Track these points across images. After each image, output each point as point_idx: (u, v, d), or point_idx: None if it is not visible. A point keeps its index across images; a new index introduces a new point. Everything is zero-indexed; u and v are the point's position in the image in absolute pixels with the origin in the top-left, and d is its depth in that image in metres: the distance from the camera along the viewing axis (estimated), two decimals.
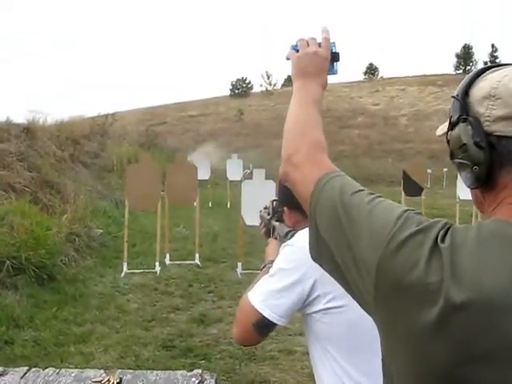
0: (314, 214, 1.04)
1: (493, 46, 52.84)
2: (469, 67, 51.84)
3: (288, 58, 1.34)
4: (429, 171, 19.65)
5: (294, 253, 1.59)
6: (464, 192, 10.48)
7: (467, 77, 1.00)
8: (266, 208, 2.19)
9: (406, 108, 40.32)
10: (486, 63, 50.58)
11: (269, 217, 2.08)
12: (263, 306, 1.56)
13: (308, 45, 1.30)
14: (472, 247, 0.84)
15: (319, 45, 1.30)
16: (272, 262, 1.83)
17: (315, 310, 1.56)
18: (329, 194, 1.02)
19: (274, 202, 2.03)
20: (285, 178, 1.16)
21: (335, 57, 1.33)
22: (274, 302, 1.55)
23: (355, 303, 1.50)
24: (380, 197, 0.99)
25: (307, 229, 1.61)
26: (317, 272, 1.51)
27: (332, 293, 1.53)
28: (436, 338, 0.82)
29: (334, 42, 1.33)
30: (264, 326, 1.58)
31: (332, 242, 0.99)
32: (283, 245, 1.66)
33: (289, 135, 1.19)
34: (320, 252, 1.04)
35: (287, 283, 1.56)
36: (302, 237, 1.59)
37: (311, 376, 1.72)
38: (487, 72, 0.97)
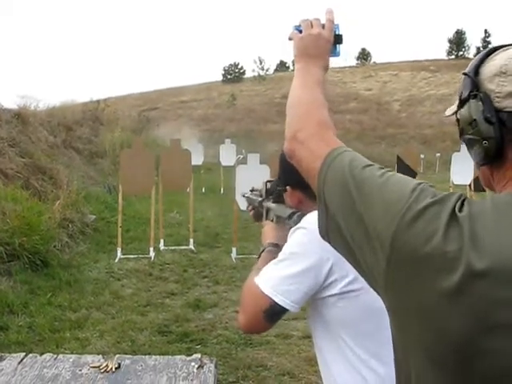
0: (322, 189, 1.03)
1: (486, 31, 52.65)
2: (461, 52, 51.75)
3: (290, 39, 1.32)
4: (422, 156, 19.69)
5: (307, 236, 1.50)
6: (457, 177, 10.51)
7: (478, 55, 1.00)
8: (253, 190, 2.15)
9: (399, 93, 40.24)
10: (478, 49, 50.57)
11: (260, 199, 2.04)
12: (275, 291, 1.48)
13: (312, 26, 1.29)
14: (490, 216, 0.84)
15: (323, 26, 1.29)
16: (272, 244, 1.77)
17: (330, 293, 1.50)
18: (338, 169, 1.01)
19: (268, 183, 1.98)
20: (291, 155, 1.16)
21: (338, 39, 1.32)
22: (287, 288, 1.48)
23: None
24: (390, 171, 0.98)
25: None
26: (334, 255, 1.44)
27: (349, 276, 1.47)
28: (453, 307, 0.81)
29: (337, 24, 1.31)
30: (275, 313, 1.51)
31: (341, 217, 0.98)
32: (294, 228, 1.58)
33: (293, 114, 1.19)
34: (328, 228, 1.04)
35: (301, 268, 1.48)
36: (315, 218, 1.56)
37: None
38: (498, 51, 0.97)
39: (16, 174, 8.51)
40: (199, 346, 4.71)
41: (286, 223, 1.73)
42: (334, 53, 1.31)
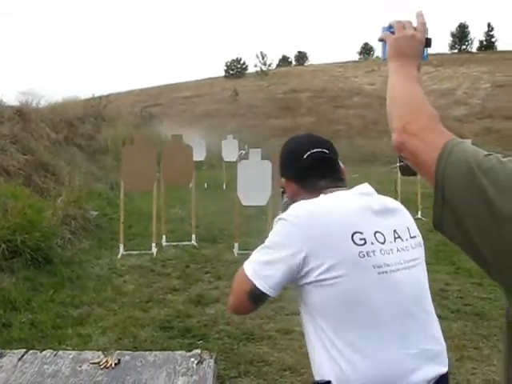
0: (441, 178, 1.04)
1: (489, 24, 52.39)
2: (464, 46, 51.50)
3: (381, 40, 1.38)
4: None
5: (285, 227, 1.61)
6: None
7: None
8: None
9: None
10: (481, 42, 50.29)
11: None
12: (255, 275, 1.59)
13: (404, 27, 1.34)
14: None
15: (414, 28, 1.34)
16: None
17: (307, 281, 1.56)
18: (460, 157, 1.03)
19: None
20: (400, 147, 1.18)
21: (428, 42, 1.36)
22: (265, 273, 1.58)
23: (350, 274, 1.51)
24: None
25: (301, 202, 1.66)
26: (309, 245, 1.54)
27: (325, 264, 1.52)
28: None
29: (426, 28, 1.36)
30: (256, 296, 1.60)
31: (464, 205, 1.00)
32: (277, 218, 1.67)
33: (401, 108, 1.22)
34: (444, 217, 1.04)
35: (276, 257, 1.57)
36: (295, 211, 1.63)
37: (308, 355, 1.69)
38: None
39: (18, 171, 8.52)
40: (201, 342, 4.71)
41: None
42: (423, 56, 1.35)
